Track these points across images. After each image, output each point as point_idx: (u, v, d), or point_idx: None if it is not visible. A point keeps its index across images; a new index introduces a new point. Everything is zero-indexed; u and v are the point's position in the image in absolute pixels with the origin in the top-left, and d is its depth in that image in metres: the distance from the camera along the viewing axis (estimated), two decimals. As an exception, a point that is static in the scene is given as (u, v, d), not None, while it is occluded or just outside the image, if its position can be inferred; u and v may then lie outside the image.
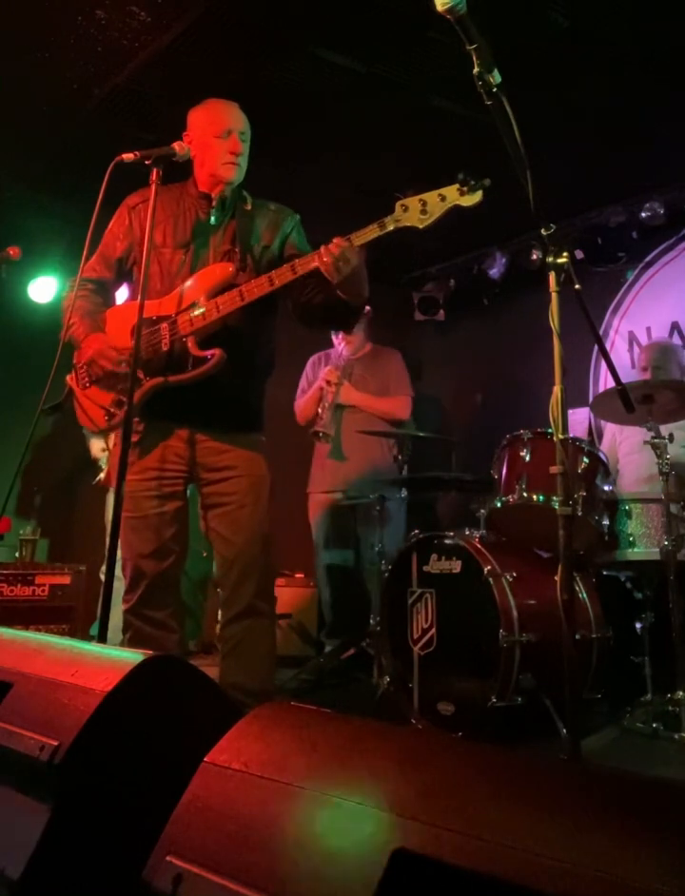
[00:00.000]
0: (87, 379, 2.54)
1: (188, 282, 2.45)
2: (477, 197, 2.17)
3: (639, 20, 3.12)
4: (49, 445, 4.74)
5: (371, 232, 2.26)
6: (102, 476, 4.39)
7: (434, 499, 5.02)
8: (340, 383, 4.30)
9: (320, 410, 4.28)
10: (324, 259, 2.25)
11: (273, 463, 2.58)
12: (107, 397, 2.50)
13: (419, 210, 2.22)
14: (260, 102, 2.63)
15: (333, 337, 4.54)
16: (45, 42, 3.37)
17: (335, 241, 2.27)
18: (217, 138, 2.48)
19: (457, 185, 2.17)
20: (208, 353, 2.37)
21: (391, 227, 2.25)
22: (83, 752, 0.96)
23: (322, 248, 2.27)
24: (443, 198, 2.20)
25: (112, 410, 2.48)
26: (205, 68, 3.44)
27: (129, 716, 1.02)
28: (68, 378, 2.58)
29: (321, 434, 4.18)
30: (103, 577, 4.56)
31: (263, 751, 0.89)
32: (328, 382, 4.31)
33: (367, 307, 4.51)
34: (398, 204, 2.25)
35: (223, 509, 2.46)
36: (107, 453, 4.40)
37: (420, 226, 2.23)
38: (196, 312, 2.39)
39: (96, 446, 4.48)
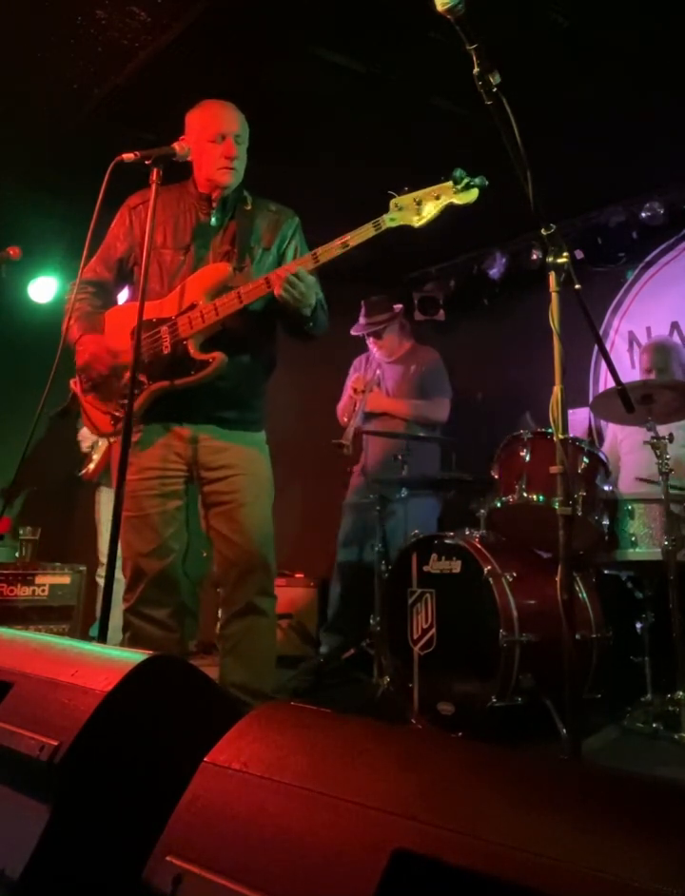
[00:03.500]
0: (89, 383, 2.54)
1: (187, 283, 2.45)
2: (472, 195, 2.16)
3: (639, 20, 3.12)
4: (49, 445, 4.74)
5: (366, 232, 2.26)
6: (90, 467, 4.38)
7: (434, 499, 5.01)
8: (367, 391, 4.28)
9: (347, 418, 4.26)
10: (276, 285, 2.29)
11: (273, 463, 2.58)
12: (110, 401, 2.50)
13: (413, 209, 2.21)
14: (259, 102, 2.62)
15: (368, 342, 4.53)
16: (45, 42, 3.37)
17: (281, 270, 2.31)
18: (211, 143, 2.47)
19: (451, 183, 2.17)
20: (209, 356, 2.37)
21: (386, 227, 2.24)
22: (83, 752, 0.96)
23: (272, 275, 2.32)
24: (438, 196, 2.19)
25: (117, 414, 2.47)
26: (205, 68, 3.44)
27: (129, 716, 1.02)
28: (71, 382, 2.58)
29: (343, 446, 4.15)
30: (98, 580, 4.56)
31: (263, 751, 0.88)
32: (355, 391, 4.29)
33: (399, 305, 4.53)
34: (392, 203, 2.25)
35: (223, 508, 2.46)
36: (91, 438, 4.40)
37: (416, 225, 2.22)
38: (195, 314, 2.39)
39: (86, 442, 4.47)
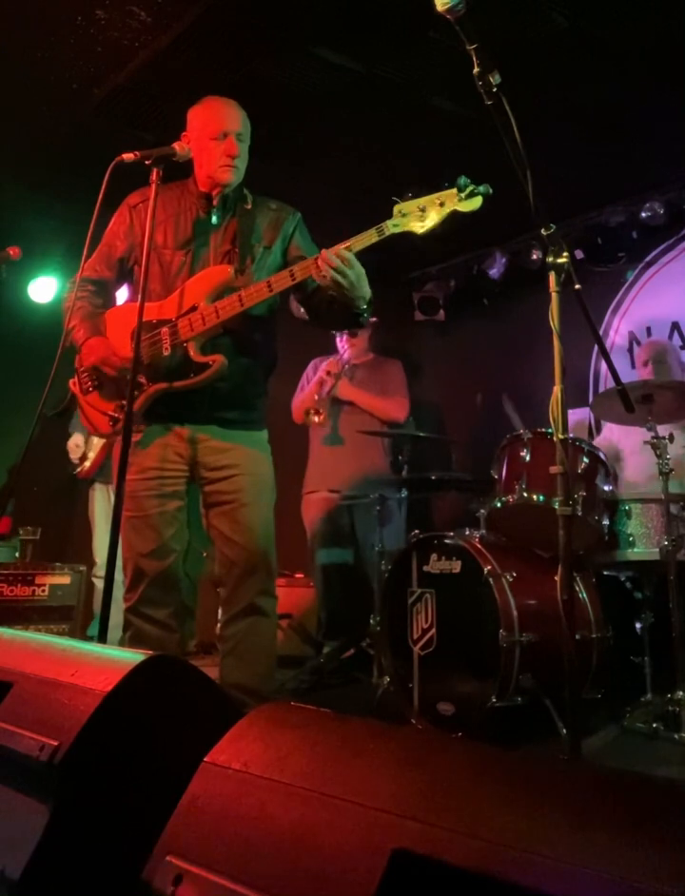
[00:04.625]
0: (89, 384, 2.53)
1: (188, 285, 2.44)
2: (476, 203, 2.16)
3: (639, 20, 3.12)
4: (49, 445, 4.74)
5: (369, 237, 2.26)
6: (86, 464, 4.38)
7: (434, 499, 5.02)
8: (339, 376, 4.30)
9: (317, 396, 4.27)
10: (322, 272, 2.24)
11: (274, 463, 2.58)
12: (109, 402, 2.49)
13: (417, 216, 2.21)
14: (259, 102, 2.63)
15: (337, 339, 4.54)
16: (45, 42, 3.37)
17: (328, 253, 2.24)
18: (213, 140, 2.46)
19: (455, 190, 2.17)
20: (210, 359, 2.37)
21: (389, 232, 2.24)
22: (83, 752, 0.96)
23: (319, 260, 2.24)
24: (442, 203, 2.19)
25: (115, 415, 2.47)
26: (205, 67, 3.44)
27: (129, 716, 1.02)
28: (70, 383, 2.58)
29: (313, 413, 4.14)
30: (95, 581, 4.55)
31: (263, 751, 0.88)
32: (329, 373, 4.31)
33: (374, 318, 4.53)
34: (395, 209, 2.24)
35: (224, 508, 2.46)
36: (81, 448, 4.41)
37: (419, 232, 2.22)
38: (196, 317, 2.38)
39: (73, 442, 4.46)
